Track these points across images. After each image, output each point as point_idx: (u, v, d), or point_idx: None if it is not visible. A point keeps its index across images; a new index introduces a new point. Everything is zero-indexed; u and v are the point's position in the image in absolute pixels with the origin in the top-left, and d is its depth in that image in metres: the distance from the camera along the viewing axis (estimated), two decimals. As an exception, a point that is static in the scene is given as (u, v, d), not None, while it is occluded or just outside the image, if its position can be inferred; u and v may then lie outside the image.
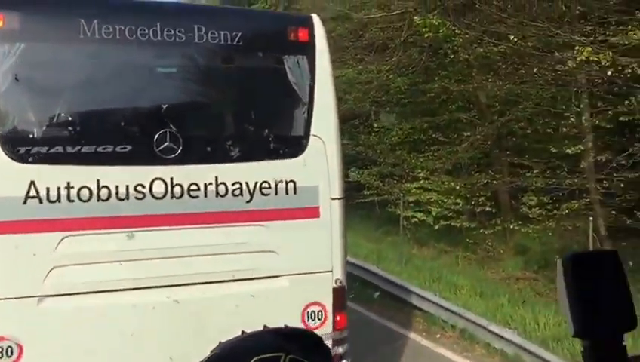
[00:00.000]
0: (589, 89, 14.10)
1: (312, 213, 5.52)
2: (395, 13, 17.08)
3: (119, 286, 4.91)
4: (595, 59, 12.08)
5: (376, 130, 20.20)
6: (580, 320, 1.51)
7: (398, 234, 16.17)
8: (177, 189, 5.05)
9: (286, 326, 1.37)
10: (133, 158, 4.99)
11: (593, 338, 1.53)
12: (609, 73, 12.43)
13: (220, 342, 1.30)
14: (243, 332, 1.34)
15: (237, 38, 5.29)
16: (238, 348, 1.27)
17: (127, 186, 4.89)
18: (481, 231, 16.52)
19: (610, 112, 13.75)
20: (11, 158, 4.69)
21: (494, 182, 16.69)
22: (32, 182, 4.65)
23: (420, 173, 17.97)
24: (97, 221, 4.85)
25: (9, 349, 4.57)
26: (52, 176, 4.72)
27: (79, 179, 4.77)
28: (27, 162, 4.70)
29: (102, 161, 4.87)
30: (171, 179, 5.03)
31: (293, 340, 1.30)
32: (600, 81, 13.50)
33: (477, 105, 18.01)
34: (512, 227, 15.80)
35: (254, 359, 1.20)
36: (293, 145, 5.51)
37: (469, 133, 17.42)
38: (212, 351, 1.27)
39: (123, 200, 4.89)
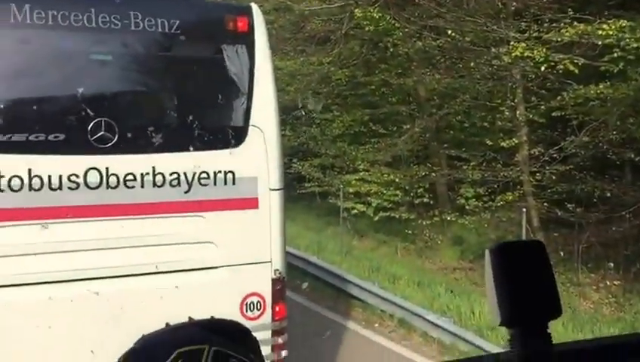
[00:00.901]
0: (524, 84, 14.45)
1: (251, 203, 5.49)
2: (336, 5, 17.10)
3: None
4: (530, 55, 12.40)
5: (318, 121, 20.26)
6: (506, 308, 1.53)
7: (338, 225, 16.27)
8: (113, 179, 4.95)
9: (212, 318, 1.35)
10: (67, 147, 4.87)
11: (519, 326, 1.57)
12: (542, 69, 12.77)
13: (143, 335, 1.28)
14: (167, 324, 1.32)
15: (175, 26, 5.21)
16: (160, 341, 1.25)
17: (60, 176, 4.78)
18: (420, 222, 16.77)
19: (543, 107, 14.14)
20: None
21: (432, 174, 16.94)
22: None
23: (360, 164, 18.10)
24: (28, 211, 4.72)
25: None
26: None
27: (10, 169, 4.63)
28: None
29: (33, 149, 4.73)
30: (107, 168, 4.92)
31: (219, 332, 1.28)
32: (534, 76, 13.86)
33: (416, 98, 18.24)
34: (449, 218, 16.06)
35: (177, 351, 1.18)
36: (233, 136, 5.46)
37: (408, 126, 17.65)
38: (134, 344, 1.25)
39: (56, 190, 4.77)
